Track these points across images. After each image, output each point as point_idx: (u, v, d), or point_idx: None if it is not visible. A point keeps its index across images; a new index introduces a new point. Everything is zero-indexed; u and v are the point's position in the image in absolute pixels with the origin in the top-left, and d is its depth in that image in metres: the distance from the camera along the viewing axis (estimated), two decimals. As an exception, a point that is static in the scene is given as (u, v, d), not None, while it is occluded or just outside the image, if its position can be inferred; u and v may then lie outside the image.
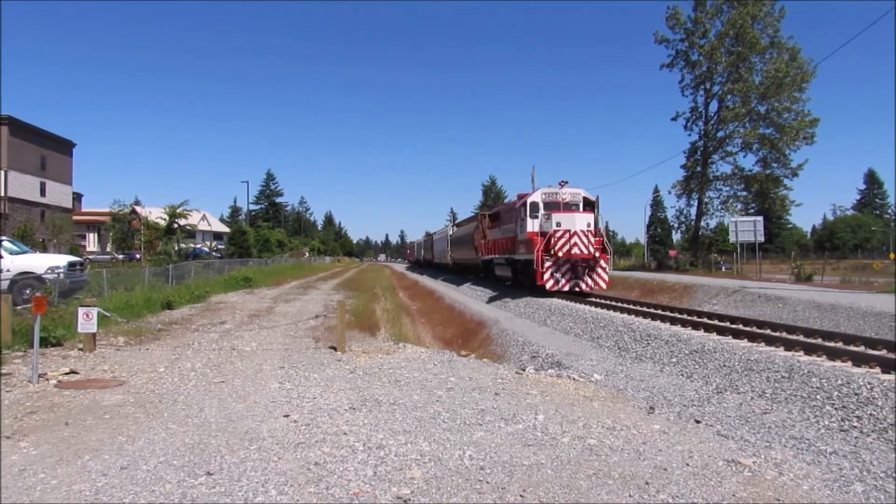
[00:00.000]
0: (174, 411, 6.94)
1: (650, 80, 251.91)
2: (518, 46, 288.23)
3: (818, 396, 8.02)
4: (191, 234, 48.22)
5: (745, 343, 11.44)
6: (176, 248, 38.87)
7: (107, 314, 11.64)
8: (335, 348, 11.20)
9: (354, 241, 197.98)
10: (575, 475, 5.03)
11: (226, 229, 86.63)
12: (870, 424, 6.98)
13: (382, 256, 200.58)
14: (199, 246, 59.03)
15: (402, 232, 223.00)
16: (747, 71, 41.38)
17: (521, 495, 4.60)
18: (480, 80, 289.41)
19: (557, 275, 21.84)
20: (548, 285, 21.73)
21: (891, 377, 8.27)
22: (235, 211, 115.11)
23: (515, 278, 27.63)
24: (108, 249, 51.88)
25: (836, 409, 7.59)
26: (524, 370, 10.43)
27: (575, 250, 21.53)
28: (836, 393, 7.93)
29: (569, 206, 23.55)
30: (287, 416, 6.71)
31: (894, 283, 22.28)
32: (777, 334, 12.06)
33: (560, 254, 21.40)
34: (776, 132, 40.88)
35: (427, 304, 30.92)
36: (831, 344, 10.94)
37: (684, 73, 44.37)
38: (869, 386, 7.79)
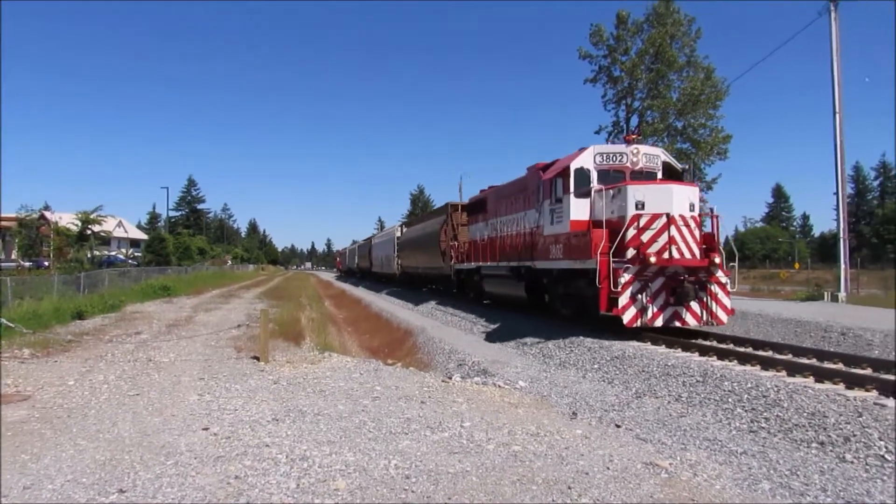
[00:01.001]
0: (84, 426, 6.60)
1: (575, 93, 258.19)
2: (446, 54, 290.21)
3: (730, 399, 8.39)
4: (105, 241, 46.00)
5: (662, 349, 11.85)
6: (89, 256, 37.06)
7: (10, 325, 10.98)
8: (258, 358, 10.93)
9: (279, 249, 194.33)
10: (500, 482, 5.07)
11: (144, 236, 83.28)
12: (776, 425, 7.35)
13: (308, 265, 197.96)
14: (114, 253, 56.53)
15: (328, 240, 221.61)
16: (666, 88, 43.18)
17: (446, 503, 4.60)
18: (409, 87, 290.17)
19: (643, 297, 12.50)
20: (626, 316, 12.37)
21: (796, 379, 8.76)
22: (154, 217, 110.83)
23: (535, 299, 17.88)
24: (14, 256, 48.93)
25: (745, 411, 7.95)
26: (450, 378, 10.46)
27: (675, 251, 12.56)
28: (746, 396, 8.32)
29: (640, 176, 14.36)
30: (206, 428, 6.49)
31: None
32: (692, 341, 12.55)
33: (651, 258, 12.32)
34: (692, 147, 42.78)
35: (354, 313, 30.63)
36: (742, 349, 11.48)
37: (607, 89, 45.88)
38: (776, 389, 8.21)
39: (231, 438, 6.14)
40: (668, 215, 12.59)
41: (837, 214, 23.44)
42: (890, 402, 7.35)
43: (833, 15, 22.09)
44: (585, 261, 13.32)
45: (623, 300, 12.39)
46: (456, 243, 26.15)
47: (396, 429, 6.60)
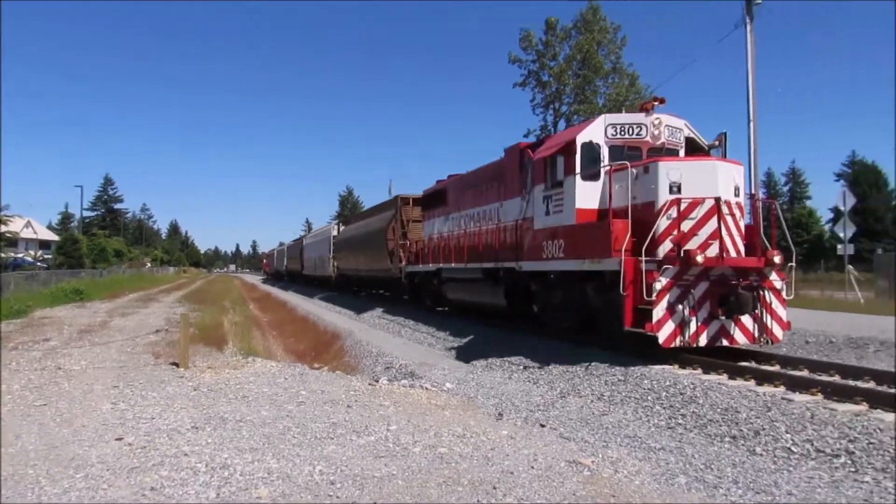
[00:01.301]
0: (-16, 440, 6.18)
1: (506, 95, 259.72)
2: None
3: (649, 397, 8.66)
4: (12, 242, 43.53)
5: (585, 349, 12.09)
6: (-7, 258, 34.97)
7: None
8: (177, 364, 10.55)
9: (202, 251, 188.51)
10: (426, 484, 5.06)
11: (55, 237, 79.07)
12: (692, 421, 7.64)
13: (232, 267, 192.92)
14: (21, 255, 53.50)
15: (254, 242, 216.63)
16: (592, 93, 44.38)
17: (371, 508, 4.55)
18: (337, 85, 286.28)
19: (683, 307, 9.75)
20: (663, 334, 9.67)
21: (710, 377, 9.12)
22: (67, 218, 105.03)
23: (518, 308, 14.85)
24: None
25: (664, 408, 8.23)
26: (377, 381, 10.39)
27: (720, 248, 10.04)
28: (664, 393, 8.60)
29: (660, 153, 11.49)
30: (120, 438, 6.21)
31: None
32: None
33: (698, 257, 9.53)
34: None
35: (280, 317, 30.03)
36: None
37: (535, 93, 46.78)
38: (692, 386, 8.54)
39: (147, 448, 5.89)
40: (716, 200, 9.95)
41: (751, 219, 24.41)
42: (797, 396, 7.76)
43: (748, 27, 23.12)
44: (601, 260, 10.44)
45: (658, 312, 9.59)
46: (407, 242, 23.33)
47: (322, 434, 6.50)
